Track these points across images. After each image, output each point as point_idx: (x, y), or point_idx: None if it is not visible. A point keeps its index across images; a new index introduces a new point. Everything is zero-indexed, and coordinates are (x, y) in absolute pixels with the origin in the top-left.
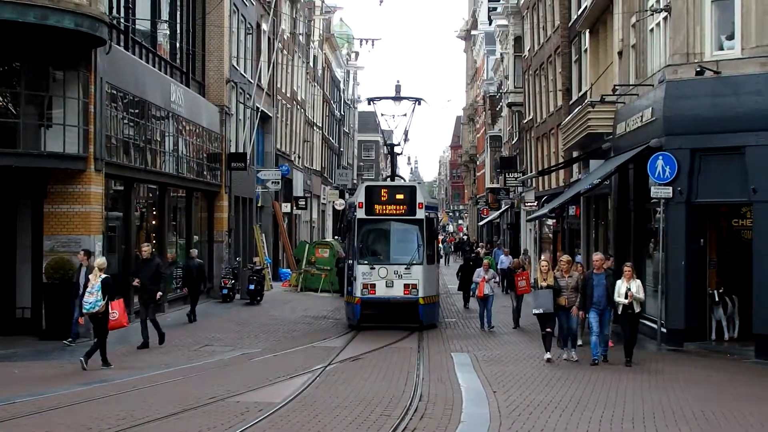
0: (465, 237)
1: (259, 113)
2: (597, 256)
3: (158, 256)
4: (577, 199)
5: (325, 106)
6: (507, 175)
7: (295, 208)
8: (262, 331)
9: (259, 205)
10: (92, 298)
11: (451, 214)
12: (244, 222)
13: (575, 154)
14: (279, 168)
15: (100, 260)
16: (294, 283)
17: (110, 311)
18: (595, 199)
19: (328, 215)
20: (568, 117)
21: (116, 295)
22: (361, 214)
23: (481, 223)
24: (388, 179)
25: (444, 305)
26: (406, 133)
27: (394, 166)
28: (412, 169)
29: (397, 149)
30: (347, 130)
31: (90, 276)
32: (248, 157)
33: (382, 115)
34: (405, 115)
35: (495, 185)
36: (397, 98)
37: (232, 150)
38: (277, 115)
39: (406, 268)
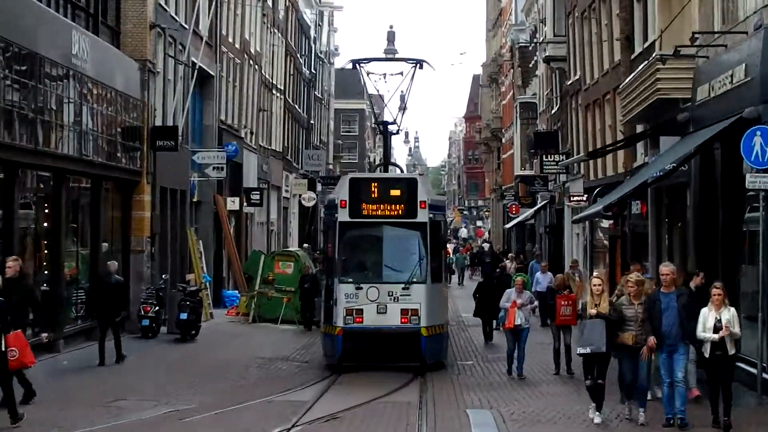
0: (486, 245)
1: (196, 72)
2: (666, 268)
3: (31, 276)
4: (642, 191)
5: (290, 61)
6: (545, 158)
7: (246, 204)
8: (199, 378)
9: (194, 200)
10: None
11: (465, 212)
12: (173, 224)
13: (640, 128)
14: (224, 148)
15: None
16: (244, 310)
17: (9, 349)
18: (669, 191)
19: (292, 214)
20: (630, 77)
21: (10, 326)
22: (343, 216)
23: (508, 225)
24: (380, 169)
25: (456, 340)
26: (402, 102)
27: (387, 150)
28: (410, 149)
29: (392, 127)
30: (320, 95)
31: None
32: (180, 133)
33: (369, 74)
34: (401, 73)
35: (527, 172)
36: (391, 59)
37: (158, 123)
38: (222, 74)
39: (404, 289)
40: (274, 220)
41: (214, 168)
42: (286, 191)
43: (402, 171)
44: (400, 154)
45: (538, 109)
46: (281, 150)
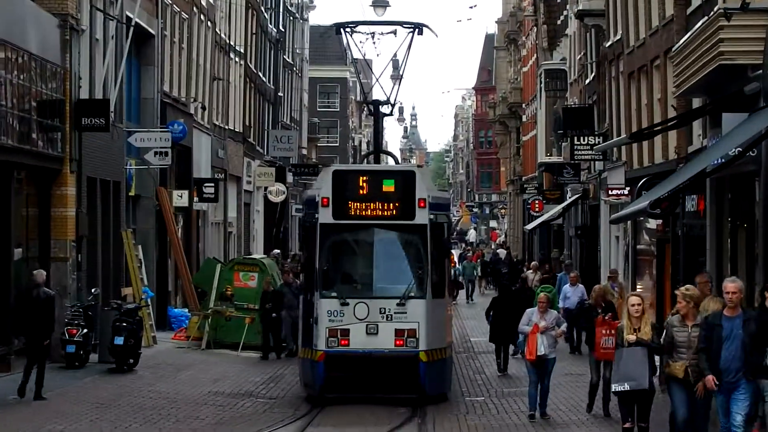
0: (501, 251)
1: (132, 30)
2: (732, 285)
3: None
4: (700, 182)
5: (252, 16)
6: (576, 141)
7: (197, 199)
8: (138, 419)
9: (131, 193)
10: None
11: (475, 210)
12: (105, 225)
13: (697, 103)
14: (168, 128)
15: None
16: (195, 333)
17: None
18: (732, 182)
19: (256, 212)
20: (685, 37)
21: None
22: (326, 216)
23: (529, 227)
24: (368, 159)
25: (464, 370)
26: (397, 74)
27: (379, 136)
28: (406, 129)
29: (384, 108)
30: (290, 60)
31: None
32: (113, 109)
33: (357, 41)
34: (394, 33)
35: (554, 159)
36: (384, 23)
37: (84, 95)
38: (165, 33)
39: (399, 305)
40: (233, 220)
41: (156, 153)
42: (249, 183)
43: (396, 161)
44: (393, 136)
45: (569, 79)
46: (241, 130)
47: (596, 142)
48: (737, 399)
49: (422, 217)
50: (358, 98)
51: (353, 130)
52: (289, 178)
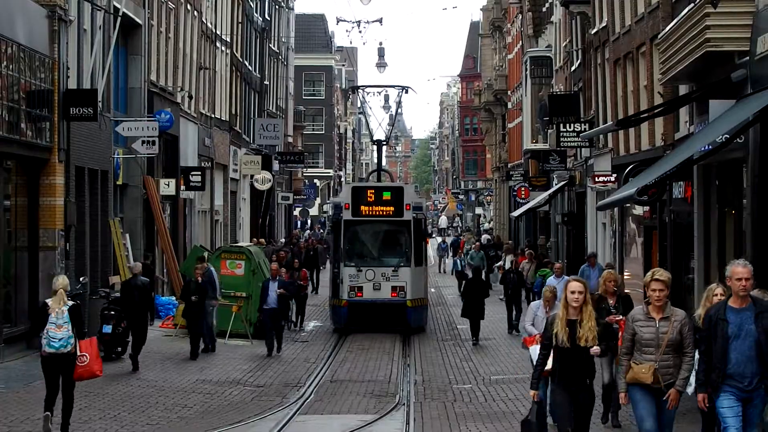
0: (485, 237)
1: (119, 20)
2: (742, 269)
3: None
4: (687, 170)
5: (237, 6)
6: (562, 128)
7: (184, 187)
8: (126, 407)
9: (119, 182)
10: (61, 332)
11: (461, 197)
12: (93, 214)
13: (683, 90)
14: (155, 117)
15: (63, 279)
16: (182, 322)
17: (79, 353)
18: (720, 169)
19: (242, 200)
20: (671, 24)
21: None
22: (347, 215)
23: (515, 213)
24: (373, 176)
25: (451, 356)
26: (392, 120)
27: (380, 162)
28: (392, 117)
29: (382, 127)
30: (276, 49)
31: (50, 301)
32: (100, 99)
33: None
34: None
35: (540, 146)
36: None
37: (72, 85)
38: (152, 22)
39: (393, 271)
40: (220, 208)
41: (143, 142)
42: (235, 171)
43: (391, 177)
44: (379, 114)
45: (554, 66)
46: (228, 119)
47: (582, 129)
48: (753, 411)
49: (408, 215)
50: (344, 86)
51: (338, 118)
52: (275, 166)
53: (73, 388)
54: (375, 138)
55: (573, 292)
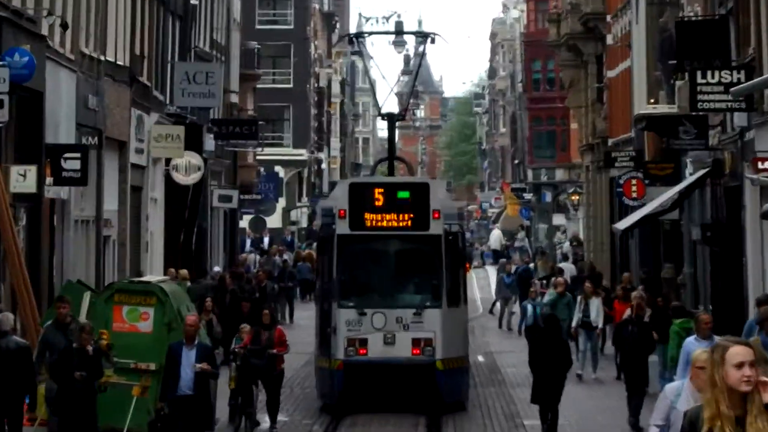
0: (565, 265)
1: None
2: None
3: None
4: None
5: None
6: (701, 79)
7: (51, 180)
8: None
9: None
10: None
11: (528, 196)
12: None
13: None
14: (3, 59)
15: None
16: (45, 414)
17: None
18: None
19: (152, 201)
20: None
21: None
22: (343, 228)
23: (622, 225)
24: (380, 166)
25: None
26: (411, 81)
27: (392, 143)
28: (408, 60)
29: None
30: None
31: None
32: None
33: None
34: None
35: (663, 109)
36: (399, 32)
37: None
38: None
39: (415, 314)
40: (113, 216)
41: None
42: (140, 152)
43: (410, 168)
44: (391, 70)
45: None
46: (128, 63)
47: (734, 81)
48: None
49: (436, 227)
50: (327, 7)
51: (317, 62)
52: (209, 144)
53: None
54: (384, 111)
55: (740, 366)
